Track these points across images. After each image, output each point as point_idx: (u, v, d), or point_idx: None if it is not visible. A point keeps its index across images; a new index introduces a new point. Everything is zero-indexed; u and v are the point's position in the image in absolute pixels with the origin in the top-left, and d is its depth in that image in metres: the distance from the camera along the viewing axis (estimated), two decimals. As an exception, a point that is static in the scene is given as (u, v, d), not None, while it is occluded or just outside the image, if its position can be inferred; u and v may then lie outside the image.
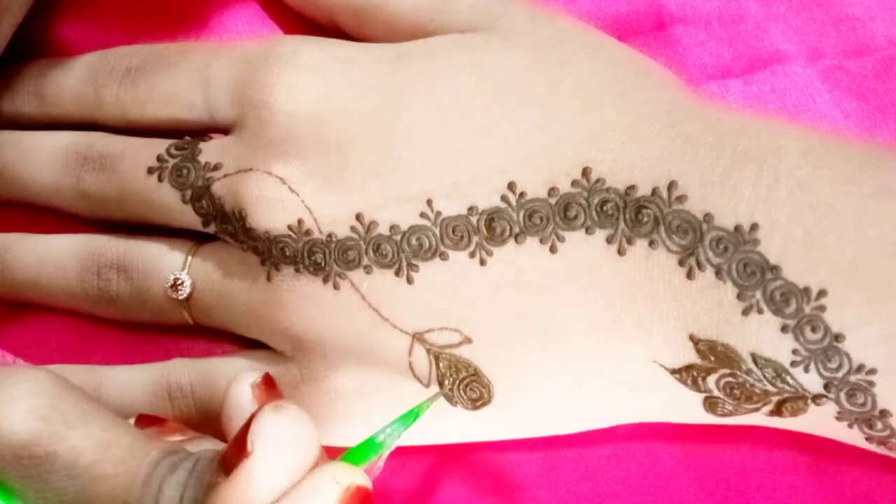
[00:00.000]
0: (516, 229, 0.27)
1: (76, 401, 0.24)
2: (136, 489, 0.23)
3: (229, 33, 0.33)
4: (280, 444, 0.23)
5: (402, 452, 0.30)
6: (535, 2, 0.30)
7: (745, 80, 0.32)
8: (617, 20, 0.32)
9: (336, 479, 0.23)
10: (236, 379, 0.26)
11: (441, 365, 0.28)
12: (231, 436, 0.25)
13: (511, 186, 0.27)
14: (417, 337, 0.28)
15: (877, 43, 0.33)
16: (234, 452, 0.23)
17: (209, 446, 0.26)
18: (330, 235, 0.28)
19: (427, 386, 0.28)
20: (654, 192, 0.26)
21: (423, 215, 0.27)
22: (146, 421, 0.27)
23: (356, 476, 0.23)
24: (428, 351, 0.28)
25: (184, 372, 0.31)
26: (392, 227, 0.27)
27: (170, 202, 0.30)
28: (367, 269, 0.28)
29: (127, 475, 0.24)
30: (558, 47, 0.29)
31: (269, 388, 0.26)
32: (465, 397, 0.28)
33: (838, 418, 0.26)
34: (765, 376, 0.26)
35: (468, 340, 0.28)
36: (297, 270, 0.28)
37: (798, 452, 0.30)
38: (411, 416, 0.26)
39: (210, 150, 0.30)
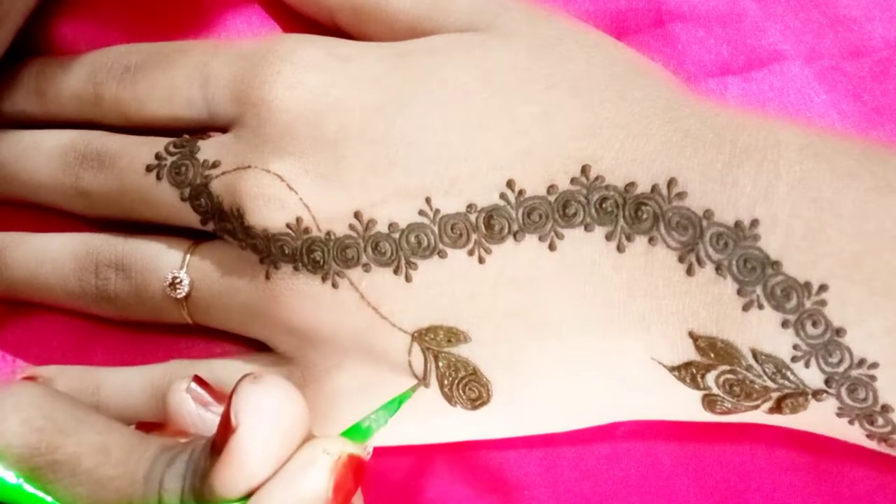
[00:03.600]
0: (515, 227, 0.27)
1: (68, 408, 0.24)
2: (138, 487, 0.23)
3: (229, 33, 0.33)
4: (264, 412, 0.22)
5: (401, 451, 0.30)
6: (533, 0, 0.30)
7: (744, 77, 0.32)
8: (616, 17, 0.33)
9: (326, 451, 0.22)
10: (171, 390, 0.26)
11: (440, 364, 0.28)
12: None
13: (510, 184, 0.27)
14: (416, 335, 0.28)
15: (874, 45, 0.33)
16: (222, 431, 0.22)
17: None
18: (328, 233, 0.28)
19: (427, 386, 0.28)
20: (654, 188, 0.26)
21: (421, 213, 0.27)
22: (146, 427, 0.27)
23: (347, 446, 0.23)
24: (427, 350, 0.28)
25: (182, 374, 0.31)
26: (391, 225, 0.27)
27: (168, 200, 0.30)
28: (366, 268, 0.28)
29: (128, 474, 0.23)
30: (557, 45, 0.29)
31: (205, 385, 0.26)
32: (463, 397, 0.28)
33: (839, 414, 0.26)
34: (765, 372, 0.26)
35: (467, 339, 0.27)
36: (295, 269, 0.28)
37: (798, 452, 0.30)
38: (396, 402, 0.25)
39: (209, 148, 0.30)
